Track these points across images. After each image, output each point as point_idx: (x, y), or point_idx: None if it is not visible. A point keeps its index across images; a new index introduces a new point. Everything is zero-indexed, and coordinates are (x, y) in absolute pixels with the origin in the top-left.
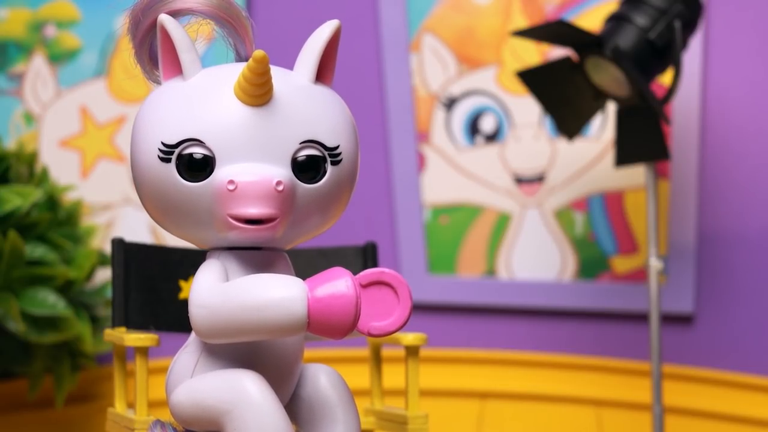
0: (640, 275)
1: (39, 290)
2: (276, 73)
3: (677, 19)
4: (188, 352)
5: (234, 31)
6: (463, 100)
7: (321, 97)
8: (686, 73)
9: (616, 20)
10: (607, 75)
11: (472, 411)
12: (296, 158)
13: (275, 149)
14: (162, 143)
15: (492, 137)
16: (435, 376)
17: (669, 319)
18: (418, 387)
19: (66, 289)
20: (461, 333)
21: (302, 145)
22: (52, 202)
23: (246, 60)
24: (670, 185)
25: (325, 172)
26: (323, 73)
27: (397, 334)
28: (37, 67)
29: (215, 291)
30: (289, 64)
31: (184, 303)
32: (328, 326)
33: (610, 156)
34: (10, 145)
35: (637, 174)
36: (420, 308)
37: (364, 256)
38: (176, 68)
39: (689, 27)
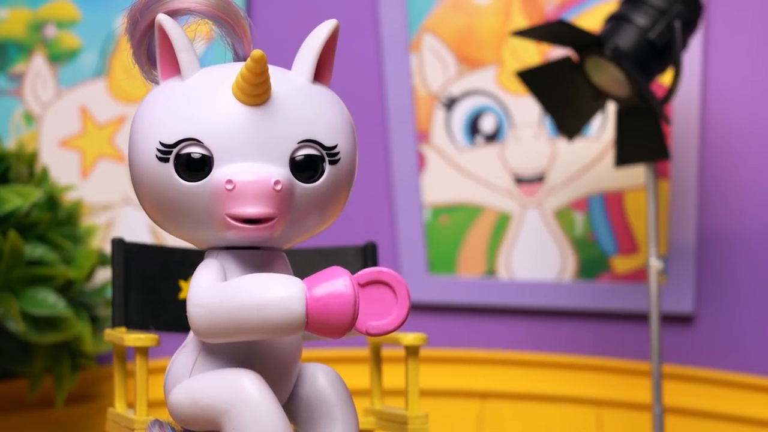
0: (640, 275)
1: (39, 290)
2: (274, 72)
3: (677, 19)
4: (186, 351)
5: (232, 31)
6: (463, 100)
7: (319, 96)
8: (686, 73)
9: (616, 20)
10: (607, 75)
11: (472, 411)
12: (294, 158)
13: (273, 149)
14: (160, 143)
15: (492, 137)
16: (435, 376)
17: (669, 319)
18: (418, 387)
19: (66, 289)
20: (461, 333)
21: (300, 144)
22: (52, 202)
23: (244, 60)
24: (670, 185)
25: (323, 172)
26: (321, 72)
27: (397, 334)
28: (37, 67)
29: (213, 290)
30: (289, 64)
31: (184, 303)
32: (327, 325)
33: (610, 156)
34: (10, 145)
35: (637, 174)
36: (420, 308)
37: (364, 256)
38: (174, 68)
39: (689, 27)
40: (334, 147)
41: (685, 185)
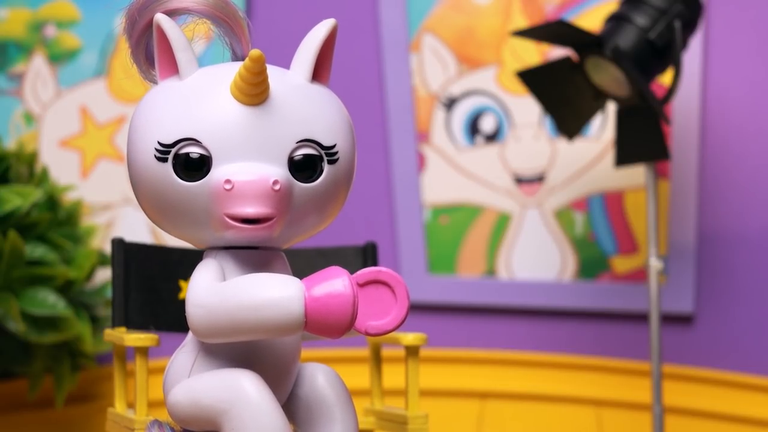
0: (640, 275)
1: (39, 290)
2: (272, 72)
3: (677, 19)
4: (185, 351)
5: (230, 31)
6: (463, 100)
7: (317, 96)
8: (686, 73)
9: (616, 20)
10: (607, 75)
11: (472, 411)
12: (293, 157)
13: (272, 148)
14: (158, 143)
15: (492, 137)
16: (435, 376)
17: (669, 319)
18: (418, 387)
19: (66, 289)
20: (461, 333)
21: (299, 144)
22: (52, 202)
23: (243, 59)
24: (670, 185)
25: (321, 171)
26: (320, 72)
27: (397, 334)
28: (37, 67)
29: (212, 290)
30: (288, 64)
31: (184, 303)
32: (326, 325)
33: (610, 156)
34: (10, 145)
35: (637, 174)
36: (420, 308)
37: (364, 256)
38: (172, 68)
39: (689, 27)
40: (333, 147)
41: (685, 185)
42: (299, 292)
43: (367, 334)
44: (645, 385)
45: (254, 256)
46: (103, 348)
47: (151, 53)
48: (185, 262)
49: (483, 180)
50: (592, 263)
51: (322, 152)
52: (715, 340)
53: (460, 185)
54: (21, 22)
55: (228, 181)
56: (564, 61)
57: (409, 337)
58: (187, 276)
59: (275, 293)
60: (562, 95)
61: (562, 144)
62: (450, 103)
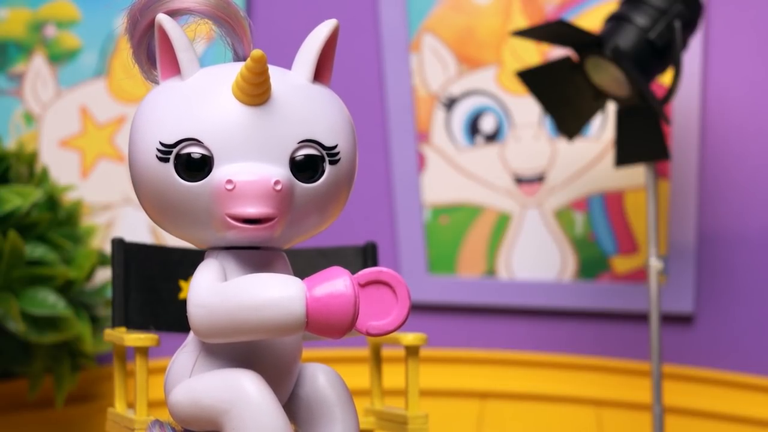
0: (640, 275)
1: (39, 290)
2: (274, 72)
3: (677, 19)
4: (187, 351)
5: (232, 31)
6: (463, 100)
7: (319, 96)
8: (686, 73)
9: (616, 20)
10: (607, 75)
11: (472, 411)
12: (294, 158)
13: (273, 149)
14: (160, 143)
15: (492, 137)
16: (435, 376)
17: (669, 319)
18: (418, 387)
19: (66, 289)
20: (461, 333)
21: (300, 144)
22: (52, 202)
23: (244, 59)
24: (670, 185)
25: (323, 172)
26: (321, 72)
27: (397, 334)
28: (37, 67)
29: (213, 290)
30: (289, 64)
31: (184, 303)
32: (327, 325)
33: (610, 156)
34: (10, 145)
35: (637, 174)
36: (420, 308)
37: (364, 256)
38: (174, 68)
39: (689, 27)
40: (334, 147)
41: (685, 185)
42: (300, 292)
43: (368, 334)
44: (645, 385)
45: (255, 257)
46: (103, 348)
47: (152, 53)
48: (185, 262)
49: (483, 180)
50: (592, 263)
51: (324, 152)
52: (715, 340)
53: (460, 185)
54: (21, 22)
55: (229, 182)
56: (564, 61)
57: (409, 337)
58: (187, 276)
59: (276, 293)
60: (562, 95)
61: (562, 144)
62: (450, 103)
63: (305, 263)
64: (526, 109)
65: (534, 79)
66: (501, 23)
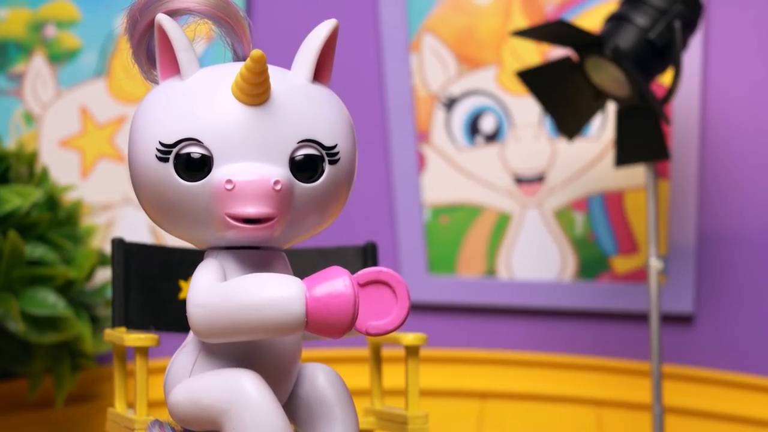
0: (640, 275)
1: (39, 290)
2: (273, 72)
3: (677, 19)
4: (186, 351)
5: (231, 31)
6: (463, 100)
7: (318, 96)
8: (686, 73)
9: (616, 20)
10: (607, 75)
11: (472, 411)
12: (294, 157)
13: (273, 148)
14: (160, 143)
15: (492, 137)
16: (435, 376)
17: (669, 319)
18: (418, 387)
19: (66, 289)
20: (461, 333)
21: (300, 144)
22: (52, 202)
23: (244, 59)
24: (670, 185)
25: (322, 172)
26: (321, 72)
27: (397, 334)
28: (37, 67)
29: (213, 290)
30: (289, 64)
31: (184, 303)
32: (326, 325)
33: (610, 156)
34: (10, 145)
35: (637, 174)
36: (420, 308)
37: (364, 256)
38: (174, 68)
39: (689, 27)
40: (334, 147)
41: (685, 185)
42: (300, 291)
43: (368, 334)
44: (645, 385)
45: (255, 256)
46: (103, 348)
47: (152, 53)
48: (185, 262)
49: (483, 180)
50: (592, 263)
51: (323, 152)
52: (715, 340)
53: (460, 185)
54: (21, 22)
55: (229, 181)
56: (564, 61)
57: (409, 337)
58: (187, 276)
59: (276, 293)
60: (562, 95)
61: (562, 144)
62: (450, 103)
63: (305, 263)
64: (526, 109)
65: (534, 79)
66: (501, 23)
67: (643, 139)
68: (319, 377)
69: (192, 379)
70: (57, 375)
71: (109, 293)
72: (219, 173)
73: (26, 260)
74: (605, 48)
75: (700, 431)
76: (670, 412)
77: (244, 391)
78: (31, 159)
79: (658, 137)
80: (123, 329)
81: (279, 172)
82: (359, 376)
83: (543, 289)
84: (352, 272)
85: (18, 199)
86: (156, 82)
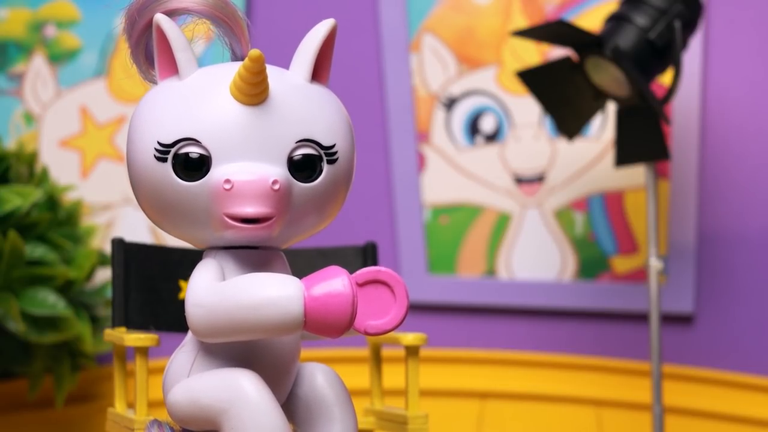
0: (640, 275)
1: (39, 290)
2: (272, 72)
3: (677, 19)
4: (185, 351)
5: (230, 31)
6: (463, 100)
7: (317, 96)
8: (686, 73)
9: (616, 20)
10: (607, 75)
11: (472, 411)
12: (292, 157)
13: (271, 148)
14: (158, 143)
15: (492, 137)
16: (435, 376)
17: (669, 319)
18: (418, 387)
19: (66, 289)
20: (461, 333)
21: (298, 144)
22: (52, 202)
23: (242, 59)
24: (670, 185)
25: (321, 171)
26: (319, 72)
27: (397, 334)
28: (37, 67)
29: (212, 290)
30: (288, 64)
31: (184, 303)
32: (325, 325)
33: (610, 156)
34: (10, 145)
35: (637, 174)
36: (420, 308)
37: (364, 256)
38: (172, 68)
39: (689, 27)
40: (332, 146)
41: (685, 185)
42: (298, 291)
43: (367, 333)
44: (645, 385)
45: (254, 256)
46: (103, 348)
47: (150, 53)
48: (185, 262)
49: (483, 180)
50: (592, 263)
51: (322, 152)
52: (715, 340)
53: (460, 185)
54: (21, 22)
55: (227, 181)
56: (564, 61)
57: (409, 337)
58: (187, 276)
59: (274, 293)
60: (562, 95)
61: (562, 144)
62: (450, 103)
63: (304, 263)
64: (526, 109)
65: (534, 79)
66: (501, 23)
67: (643, 139)
68: (318, 377)
69: (191, 379)
70: (57, 375)
71: (109, 293)
72: (217, 173)
73: (26, 260)
74: (605, 48)
75: (700, 431)
76: (670, 412)
77: (243, 390)
78: (31, 159)
79: (658, 137)
80: (123, 329)
81: (277, 171)
82: (359, 376)
83: (543, 289)
84: (352, 272)
85: (18, 199)
86: (154, 82)
